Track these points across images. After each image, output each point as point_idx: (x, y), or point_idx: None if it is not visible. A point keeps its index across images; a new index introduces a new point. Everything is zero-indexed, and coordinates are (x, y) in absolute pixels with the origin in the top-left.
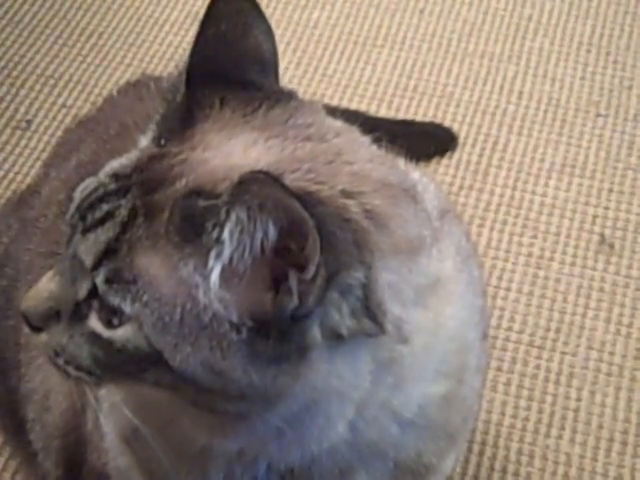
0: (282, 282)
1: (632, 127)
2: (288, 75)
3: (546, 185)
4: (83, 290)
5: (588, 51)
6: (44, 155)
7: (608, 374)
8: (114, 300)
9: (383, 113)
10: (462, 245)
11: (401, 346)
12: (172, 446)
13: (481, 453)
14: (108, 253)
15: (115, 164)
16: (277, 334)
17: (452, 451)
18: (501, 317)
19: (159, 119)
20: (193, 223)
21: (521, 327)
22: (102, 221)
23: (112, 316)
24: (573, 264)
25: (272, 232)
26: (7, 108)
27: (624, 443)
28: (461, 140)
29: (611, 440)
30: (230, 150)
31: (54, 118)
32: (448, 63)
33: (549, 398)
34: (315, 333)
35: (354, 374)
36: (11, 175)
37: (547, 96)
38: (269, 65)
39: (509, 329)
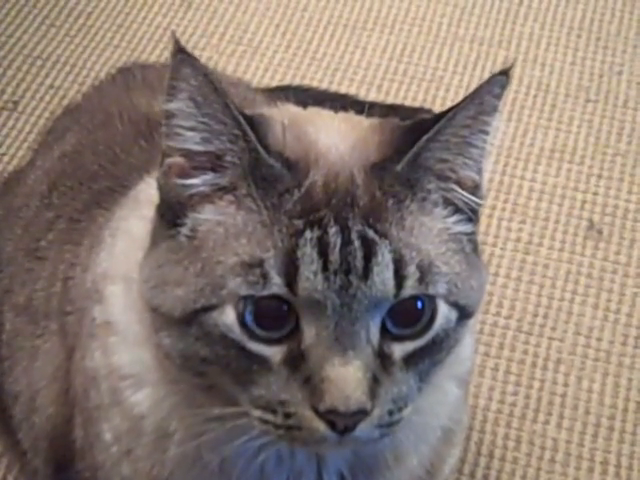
0: None
1: (622, 113)
2: (277, 58)
3: (535, 170)
4: (375, 335)
5: (578, 36)
6: (31, 137)
7: (595, 360)
8: (433, 290)
9: (372, 97)
10: None
11: None
12: None
13: (468, 438)
14: (399, 262)
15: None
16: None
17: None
18: (489, 302)
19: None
20: (410, 183)
21: (509, 312)
22: (367, 254)
23: (415, 320)
24: (561, 249)
25: None
26: None
27: (611, 428)
28: None
29: (598, 425)
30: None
31: (41, 99)
32: (438, 47)
33: (536, 383)
34: None
35: None
36: None
37: (537, 81)
38: None
39: (497, 314)
